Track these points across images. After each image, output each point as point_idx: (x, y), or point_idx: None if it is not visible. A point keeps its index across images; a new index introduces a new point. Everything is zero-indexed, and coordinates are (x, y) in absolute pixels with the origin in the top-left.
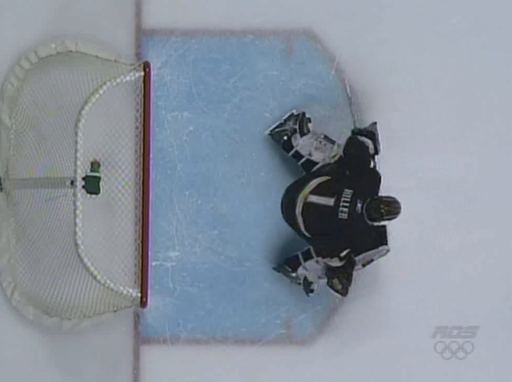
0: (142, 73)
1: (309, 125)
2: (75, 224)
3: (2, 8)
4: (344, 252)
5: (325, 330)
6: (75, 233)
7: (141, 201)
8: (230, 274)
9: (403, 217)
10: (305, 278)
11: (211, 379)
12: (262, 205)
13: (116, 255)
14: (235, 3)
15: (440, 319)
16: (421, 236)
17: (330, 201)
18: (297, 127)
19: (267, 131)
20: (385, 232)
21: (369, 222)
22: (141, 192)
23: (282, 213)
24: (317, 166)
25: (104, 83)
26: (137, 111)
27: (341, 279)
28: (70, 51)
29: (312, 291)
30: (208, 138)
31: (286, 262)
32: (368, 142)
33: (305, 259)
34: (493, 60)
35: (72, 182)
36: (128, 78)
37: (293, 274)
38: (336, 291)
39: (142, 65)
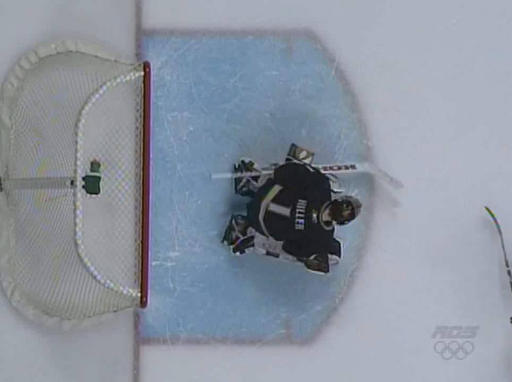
0: (142, 73)
1: (256, 166)
2: (75, 224)
3: (2, 8)
4: (312, 257)
5: (325, 330)
6: (75, 233)
7: (141, 201)
8: (230, 274)
9: (404, 217)
10: (250, 237)
11: (211, 379)
12: None
13: (116, 256)
14: (235, 3)
15: (440, 319)
16: (421, 236)
17: (287, 212)
18: (247, 176)
19: (234, 192)
20: (339, 245)
21: (327, 228)
22: (141, 192)
23: (247, 215)
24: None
25: (104, 83)
26: (137, 111)
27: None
28: (70, 51)
29: (241, 252)
30: (208, 138)
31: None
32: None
33: None
34: (493, 60)
35: (72, 182)
36: (128, 78)
37: (238, 229)
38: (317, 269)
39: (142, 65)
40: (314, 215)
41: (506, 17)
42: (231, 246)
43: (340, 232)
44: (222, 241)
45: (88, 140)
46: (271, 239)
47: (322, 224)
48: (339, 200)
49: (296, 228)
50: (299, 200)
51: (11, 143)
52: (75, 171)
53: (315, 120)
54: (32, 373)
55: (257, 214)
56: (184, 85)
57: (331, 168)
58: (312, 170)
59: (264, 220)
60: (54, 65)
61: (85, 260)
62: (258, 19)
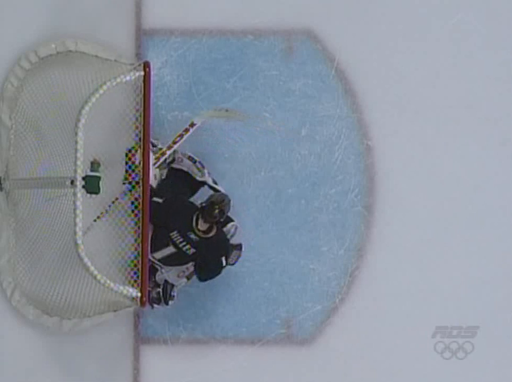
0: (142, 73)
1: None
2: (75, 224)
3: (2, 8)
4: (223, 261)
5: (325, 330)
6: (75, 233)
7: (141, 201)
8: (230, 274)
9: (403, 216)
10: (165, 283)
11: (211, 379)
12: (262, 205)
13: (116, 255)
14: (235, 3)
15: (440, 319)
16: (421, 236)
17: (172, 250)
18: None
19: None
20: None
21: (210, 234)
22: (141, 192)
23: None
24: None
25: (104, 83)
26: (137, 111)
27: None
28: (70, 51)
29: (172, 298)
30: (208, 138)
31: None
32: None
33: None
34: (493, 60)
35: (72, 182)
36: (128, 78)
37: (152, 282)
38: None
39: (142, 65)
40: (192, 236)
41: (506, 17)
42: (163, 303)
43: (340, 232)
44: (152, 307)
45: (88, 140)
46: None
47: (204, 235)
48: (203, 205)
49: (189, 254)
50: (170, 234)
51: (11, 143)
52: (75, 171)
53: (315, 120)
54: (32, 373)
55: (156, 271)
56: (184, 85)
57: (174, 142)
58: (159, 200)
59: (165, 265)
60: (54, 65)
61: (85, 260)
62: (258, 19)
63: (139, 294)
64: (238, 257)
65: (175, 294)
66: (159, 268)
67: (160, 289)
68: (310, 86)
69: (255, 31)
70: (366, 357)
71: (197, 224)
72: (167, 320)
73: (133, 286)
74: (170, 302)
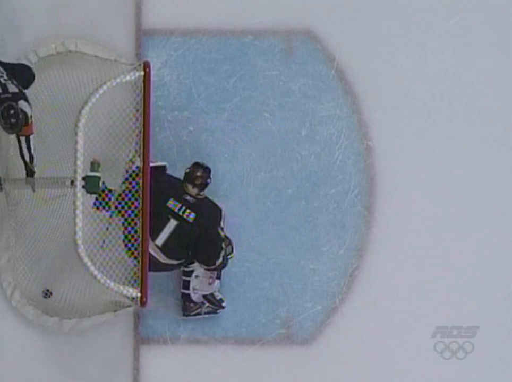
0: (142, 73)
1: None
2: (75, 224)
3: (2, 8)
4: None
5: (325, 330)
6: (75, 232)
7: (141, 201)
8: (230, 274)
9: (404, 217)
10: (205, 296)
11: (211, 379)
12: (262, 205)
13: (116, 255)
14: (235, 3)
15: (440, 319)
16: (421, 236)
17: (173, 224)
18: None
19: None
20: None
21: (201, 196)
22: (141, 192)
23: None
24: None
25: (104, 83)
26: (137, 111)
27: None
28: (70, 51)
29: (222, 301)
30: (208, 138)
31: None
32: None
33: (187, 275)
34: (493, 60)
35: (72, 182)
36: (128, 78)
37: (195, 305)
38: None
39: (142, 65)
40: (188, 197)
41: (506, 17)
42: (220, 310)
43: (340, 232)
44: (216, 313)
45: (88, 140)
46: (198, 272)
47: (196, 196)
48: (186, 171)
49: (190, 220)
50: (167, 204)
51: (11, 143)
52: (75, 171)
53: (315, 120)
54: (32, 373)
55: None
56: (184, 85)
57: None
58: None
59: (169, 254)
60: (54, 65)
61: (85, 260)
62: (258, 19)
63: (139, 294)
64: (232, 248)
65: (220, 296)
66: (190, 279)
67: (207, 304)
68: (310, 86)
69: (255, 31)
70: (366, 357)
71: (187, 188)
72: (167, 320)
73: (133, 286)
74: (223, 304)
